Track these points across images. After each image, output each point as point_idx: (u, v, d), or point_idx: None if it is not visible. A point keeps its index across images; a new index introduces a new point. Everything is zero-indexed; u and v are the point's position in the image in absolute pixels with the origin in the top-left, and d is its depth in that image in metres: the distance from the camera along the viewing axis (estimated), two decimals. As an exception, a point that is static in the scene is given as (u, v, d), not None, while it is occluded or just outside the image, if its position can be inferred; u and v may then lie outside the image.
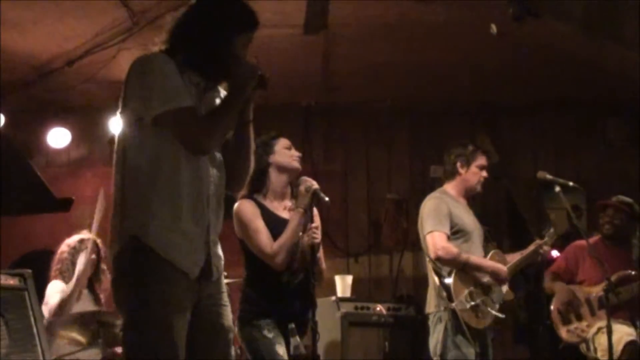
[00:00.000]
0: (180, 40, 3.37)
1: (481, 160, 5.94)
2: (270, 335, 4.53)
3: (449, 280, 5.64)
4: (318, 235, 4.60)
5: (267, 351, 4.51)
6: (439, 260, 5.67)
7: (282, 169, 4.78)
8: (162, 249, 3.16)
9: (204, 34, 3.38)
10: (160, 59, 3.29)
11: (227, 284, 6.12)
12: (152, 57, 3.32)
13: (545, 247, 5.93)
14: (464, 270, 5.68)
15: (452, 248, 5.67)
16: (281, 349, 4.52)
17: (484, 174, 5.96)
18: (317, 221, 4.71)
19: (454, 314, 5.59)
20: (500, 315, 5.76)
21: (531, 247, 5.94)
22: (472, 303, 5.63)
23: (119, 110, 3.29)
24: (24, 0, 6.07)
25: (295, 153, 4.82)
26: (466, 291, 5.65)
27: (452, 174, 5.98)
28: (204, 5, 3.43)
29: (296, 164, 4.79)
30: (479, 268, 5.73)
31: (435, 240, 5.71)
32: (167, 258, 3.17)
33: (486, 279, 5.76)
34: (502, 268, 5.80)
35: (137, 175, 3.22)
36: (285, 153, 4.79)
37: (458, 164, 5.92)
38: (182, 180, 3.23)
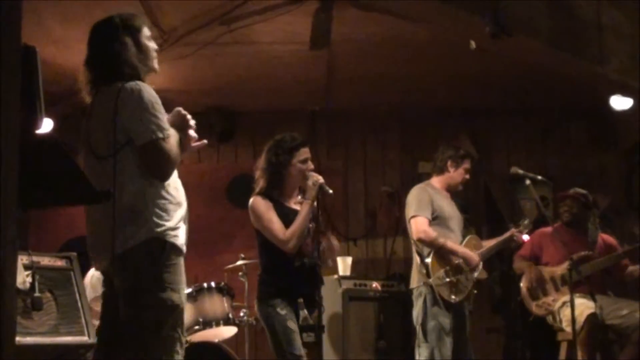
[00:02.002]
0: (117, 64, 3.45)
1: (467, 164, 6.02)
2: (283, 312, 4.56)
3: (428, 260, 5.67)
4: (319, 177, 4.66)
5: (280, 325, 4.55)
6: (420, 241, 5.72)
7: (293, 179, 4.76)
8: (180, 244, 3.37)
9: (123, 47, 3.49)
10: (150, 89, 3.38)
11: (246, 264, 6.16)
12: (146, 87, 3.37)
13: (519, 235, 5.97)
14: (440, 251, 5.70)
15: (431, 232, 5.70)
16: (292, 324, 4.55)
17: (467, 176, 6.00)
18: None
19: (431, 288, 5.62)
20: (473, 291, 5.81)
21: (507, 234, 5.97)
22: (447, 280, 5.65)
23: (110, 130, 3.30)
24: (69, 22, 6.06)
25: (308, 167, 4.76)
26: (442, 270, 5.67)
27: (441, 170, 6.00)
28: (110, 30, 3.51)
29: (302, 182, 4.75)
30: (453, 252, 5.75)
31: (417, 224, 5.74)
32: (183, 250, 3.39)
33: (459, 261, 5.76)
34: (474, 257, 5.81)
35: (149, 187, 3.32)
36: (298, 169, 4.74)
37: (449, 163, 5.96)
38: (178, 188, 3.45)
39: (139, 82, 3.37)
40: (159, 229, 3.29)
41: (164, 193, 3.35)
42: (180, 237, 3.39)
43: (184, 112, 3.51)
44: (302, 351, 4.52)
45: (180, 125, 3.48)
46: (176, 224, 3.36)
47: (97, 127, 3.40)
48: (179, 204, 3.40)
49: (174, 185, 3.44)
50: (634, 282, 6.38)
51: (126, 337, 3.31)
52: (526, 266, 6.40)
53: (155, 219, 3.30)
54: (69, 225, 7.90)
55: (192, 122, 3.53)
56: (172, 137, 3.36)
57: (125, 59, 3.44)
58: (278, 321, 4.56)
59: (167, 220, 3.32)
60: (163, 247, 3.30)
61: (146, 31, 3.57)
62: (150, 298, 3.27)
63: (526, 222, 6.05)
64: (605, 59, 6.09)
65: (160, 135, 3.29)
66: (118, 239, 3.25)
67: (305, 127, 8.17)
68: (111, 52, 3.46)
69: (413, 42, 6.64)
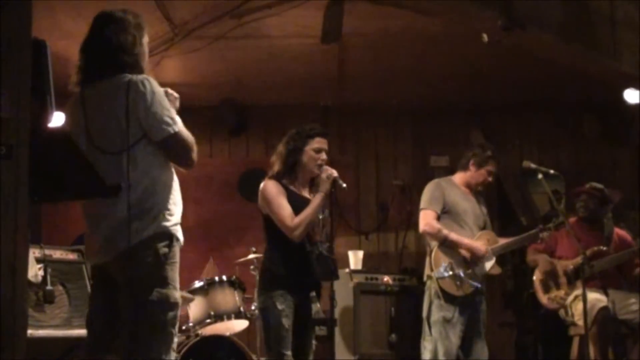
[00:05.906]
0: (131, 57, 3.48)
1: (491, 167, 5.90)
2: (280, 307, 4.50)
3: (433, 253, 5.67)
4: (333, 171, 4.66)
5: (275, 321, 4.49)
6: (424, 233, 5.72)
7: (305, 166, 4.76)
8: (180, 237, 3.44)
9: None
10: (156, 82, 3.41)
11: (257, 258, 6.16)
12: (154, 81, 3.39)
13: (546, 233, 5.87)
14: (445, 244, 5.67)
15: (435, 224, 5.68)
16: (287, 321, 4.50)
17: (490, 179, 5.93)
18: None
19: (436, 281, 5.60)
20: (477, 285, 5.68)
21: (533, 231, 5.88)
22: (450, 273, 5.61)
23: (123, 126, 3.30)
24: (82, 16, 6.07)
25: (320, 157, 4.74)
26: (445, 262, 5.63)
27: (464, 167, 5.96)
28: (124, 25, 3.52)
29: (315, 171, 4.73)
30: (457, 244, 5.69)
31: (424, 216, 5.75)
32: (182, 243, 3.46)
33: (465, 255, 5.70)
34: (479, 247, 5.71)
35: (157, 184, 3.37)
36: (311, 156, 4.73)
37: (472, 162, 5.89)
38: (175, 184, 3.48)
39: (147, 76, 3.39)
40: (166, 223, 3.36)
41: (172, 190, 3.43)
42: (181, 234, 3.45)
43: (170, 90, 3.54)
44: (289, 350, 4.47)
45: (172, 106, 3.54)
46: (178, 220, 3.44)
47: (101, 120, 3.39)
48: (179, 202, 3.48)
49: (177, 184, 3.50)
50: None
51: (129, 334, 3.29)
52: (540, 258, 6.37)
53: (165, 214, 3.36)
54: (82, 219, 7.93)
55: (176, 96, 3.56)
56: (181, 124, 3.42)
57: (133, 52, 3.46)
58: (274, 316, 4.50)
59: (172, 215, 3.40)
60: (170, 241, 3.36)
61: (146, 37, 3.61)
62: (157, 295, 3.30)
63: (560, 219, 5.92)
64: (618, 52, 6.06)
65: (176, 128, 3.35)
66: (126, 234, 3.27)
67: (318, 121, 8.16)
68: (122, 43, 3.46)
69: (424, 36, 6.62)
